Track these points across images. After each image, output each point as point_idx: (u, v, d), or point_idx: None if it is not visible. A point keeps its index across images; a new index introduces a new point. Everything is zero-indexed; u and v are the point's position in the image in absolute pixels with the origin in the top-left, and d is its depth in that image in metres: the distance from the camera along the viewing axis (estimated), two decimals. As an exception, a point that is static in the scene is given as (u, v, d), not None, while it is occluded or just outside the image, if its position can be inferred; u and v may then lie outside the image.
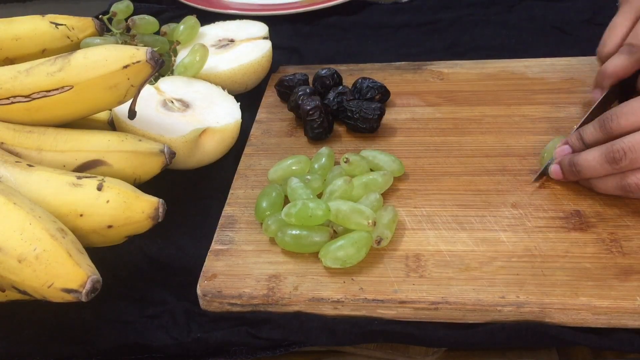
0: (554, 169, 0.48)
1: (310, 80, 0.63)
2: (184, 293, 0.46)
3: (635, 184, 0.43)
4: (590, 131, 0.46)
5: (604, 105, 0.53)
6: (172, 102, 0.56)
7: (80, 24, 0.65)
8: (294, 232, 0.45)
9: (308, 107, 0.56)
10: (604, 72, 0.52)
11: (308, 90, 0.59)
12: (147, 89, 0.57)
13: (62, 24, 0.63)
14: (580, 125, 0.50)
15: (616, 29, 0.52)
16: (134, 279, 0.47)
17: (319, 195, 0.49)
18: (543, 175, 0.50)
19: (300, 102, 0.58)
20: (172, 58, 0.65)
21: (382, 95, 0.60)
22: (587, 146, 0.47)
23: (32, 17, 0.63)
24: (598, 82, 0.54)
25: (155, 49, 0.48)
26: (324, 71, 0.62)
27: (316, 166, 0.52)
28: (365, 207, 0.45)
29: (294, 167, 0.52)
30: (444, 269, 0.43)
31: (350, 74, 0.66)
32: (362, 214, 0.44)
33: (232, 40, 0.67)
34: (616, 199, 0.47)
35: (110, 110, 0.53)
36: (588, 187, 0.47)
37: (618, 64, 0.50)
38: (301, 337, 0.42)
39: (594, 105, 0.52)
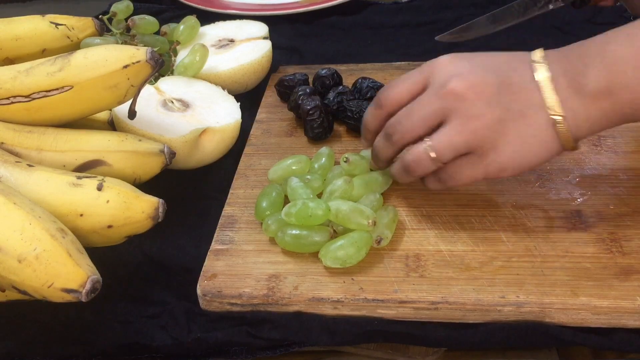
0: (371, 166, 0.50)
1: (310, 80, 0.63)
2: (184, 293, 0.46)
3: (412, 160, 0.43)
4: (369, 112, 0.48)
5: None
6: (172, 102, 0.56)
7: (80, 24, 0.65)
8: (294, 231, 0.45)
9: (308, 107, 0.56)
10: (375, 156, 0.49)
11: (308, 90, 0.59)
12: (147, 89, 0.57)
13: (62, 24, 0.63)
14: None
15: (402, 91, 0.46)
16: (134, 279, 0.47)
17: (319, 195, 0.49)
18: None
19: (300, 102, 0.58)
20: (172, 58, 0.65)
21: (382, 95, 0.60)
22: (372, 129, 0.48)
23: (32, 17, 0.63)
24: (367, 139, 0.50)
25: (155, 49, 0.48)
26: (324, 71, 0.62)
27: (316, 166, 0.52)
28: (365, 206, 0.45)
29: (294, 167, 0.52)
30: (444, 269, 0.43)
31: (350, 74, 0.66)
32: (362, 214, 0.44)
33: (232, 40, 0.67)
34: (616, 199, 0.47)
35: (110, 110, 0.53)
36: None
37: (378, 145, 0.47)
38: (301, 337, 0.42)
39: None
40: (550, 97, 0.40)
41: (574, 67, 0.41)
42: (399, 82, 0.45)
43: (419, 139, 0.43)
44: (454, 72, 0.42)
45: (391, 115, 0.45)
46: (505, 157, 0.41)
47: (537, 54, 0.43)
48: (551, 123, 0.40)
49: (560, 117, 0.40)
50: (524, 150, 0.41)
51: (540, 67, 0.41)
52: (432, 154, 0.42)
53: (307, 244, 0.45)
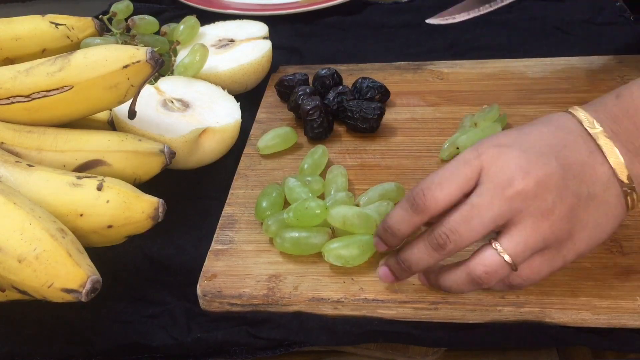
0: (383, 273, 0.41)
1: (310, 80, 0.63)
2: (184, 293, 0.46)
3: (484, 273, 0.37)
4: (401, 218, 0.40)
5: None
6: (172, 102, 0.56)
7: (80, 24, 0.65)
8: (292, 234, 0.44)
9: (308, 107, 0.56)
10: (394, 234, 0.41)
11: (308, 90, 0.59)
12: (147, 89, 0.57)
13: (62, 24, 0.63)
14: None
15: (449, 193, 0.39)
16: (134, 279, 0.47)
17: (321, 197, 0.49)
18: None
19: (300, 102, 0.58)
20: (172, 58, 0.65)
21: (382, 95, 0.60)
22: (402, 236, 0.41)
23: (32, 17, 0.63)
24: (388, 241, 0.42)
25: (155, 49, 0.48)
26: (324, 71, 0.62)
27: (305, 166, 0.52)
28: (373, 211, 0.45)
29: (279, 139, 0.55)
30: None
31: (350, 74, 0.66)
32: (369, 220, 0.44)
33: (232, 40, 0.67)
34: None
35: (110, 110, 0.53)
36: (442, 289, 0.41)
37: (417, 254, 0.40)
38: (301, 337, 0.42)
39: None
40: (621, 171, 0.37)
41: (625, 130, 0.38)
42: (442, 183, 0.38)
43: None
44: (512, 168, 0.37)
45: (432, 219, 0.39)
46: (582, 244, 0.38)
47: (584, 118, 0.39)
48: (622, 195, 0.38)
49: (631, 188, 0.38)
50: (598, 230, 0.38)
51: (599, 138, 0.38)
52: (508, 259, 0.37)
53: (306, 246, 0.44)
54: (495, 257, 0.37)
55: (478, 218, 0.37)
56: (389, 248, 0.42)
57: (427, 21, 0.45)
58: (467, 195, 0.38)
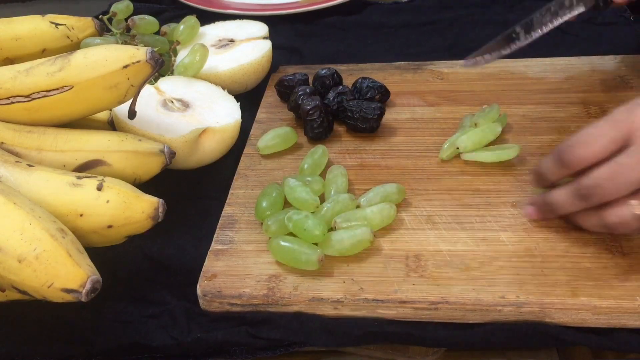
0: (530, 210, 0.46)
1: (310, 80, 0.63)
2: (184, 293, 0.46)
3: (618, 222, 0.40)
4: (549, 167, 0.44)
5: None
6: (172, 102, 0.56)
7: (80, 24, 0.65)
8: (284, 243, 0.44)
9: (308, 107, 0.56)
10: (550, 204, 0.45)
11: (308, 90, 0.59)
12: (147, 89, 0.57)
13: (62, 24, 0.63)
14: None
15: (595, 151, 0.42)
16: (134, 279, 0.47)
17: (321, 197, 0.49)
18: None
19: (300, 101, 0.58)
20: (172, 58, 0.65)
21: (382, 95, 0.60)
22: (552, 183, 0.45)
23: (32, 17, 0.63)
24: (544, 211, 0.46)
25: (155, 49, 0.48)
26: (324, 71, 0.62)
27: (305, 166, 0.52)
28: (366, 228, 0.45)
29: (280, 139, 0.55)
30: (444, 269, 0.43)
31: (350, 74, 0.66)
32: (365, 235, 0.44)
33: (232, 40, 0.67)
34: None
35: (110, 110, 0.53)
36: (574, 224, 0.45)
37: (562, 200, 0.44)
38: (301, 337, 0.42)
39: None
40: None
41: None
42: (589, 140, 0.41)
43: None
44: None
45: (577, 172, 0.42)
46: None
47: None
48: None
49: None
50: None
51: None
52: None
53: (296, 260, 0.44)
54: (630, 213, 0.39)
55: (624, 177, 0.39)
56: (541, 187, 0.46)
57: (464, 66, 0.48)
58: (613, 153, 0.40)
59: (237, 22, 0.70)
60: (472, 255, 0.44)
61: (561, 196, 0.43)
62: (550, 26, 0.53)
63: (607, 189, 0.40)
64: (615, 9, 0.75)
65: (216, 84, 0.60)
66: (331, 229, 0.46)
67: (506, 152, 0.51)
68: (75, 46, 0.64)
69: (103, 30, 0.67)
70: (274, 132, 0.56)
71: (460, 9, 0.81)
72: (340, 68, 0.65)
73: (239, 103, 0.58)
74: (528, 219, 0.46)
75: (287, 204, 0.49)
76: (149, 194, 0.45)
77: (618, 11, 0.75)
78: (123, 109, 0.51)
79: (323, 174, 0.52)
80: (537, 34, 0.54)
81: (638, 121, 0.39)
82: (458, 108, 0.59)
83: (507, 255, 0.44)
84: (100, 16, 0.67)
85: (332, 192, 0.49)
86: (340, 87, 0.60)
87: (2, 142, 0.47)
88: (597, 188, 0.40)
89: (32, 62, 0.48)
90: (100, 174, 0.45)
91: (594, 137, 0.41)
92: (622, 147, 0.40)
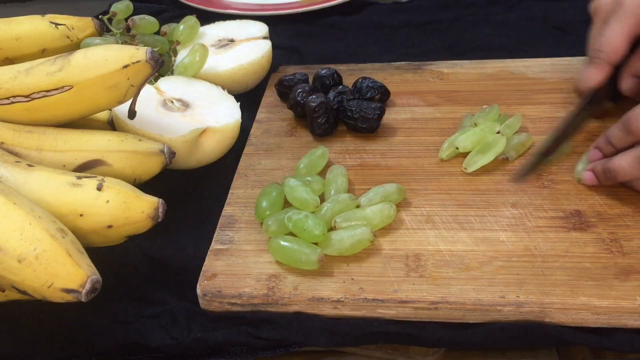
0: (588, 176, 0.48)
1: (310, 80, 0.63)
2: (184, 293, 0.46)
3: None
4: (616, 134, 0.47)
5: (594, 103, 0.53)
6: (172, 102, 0.56)
7: (80, 24, 0.65)
8: (285, 243, 0.44)
9: (313, 104, 0.56)
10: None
11: (307, 88, 0.59)
12: (147, 89, 0.57)
13: (62, 24, 0.63)
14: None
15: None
16: (134, 279, 0.47)
17: (321, 197, 0.49)
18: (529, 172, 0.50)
19: (299, 99, 0.58)
20: (172, 58, 0.65)
21: (382, 95, 0.60)
22: (617, 149, 0.47)
23: (32, 17, 0.63)
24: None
25: (155, 49, 0.48)
26: (324, 71, 0.62)
27: (301, 166, 0.52)
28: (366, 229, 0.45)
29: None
30: (444, 269, 0.43)
31: (350, 74, 0.66)
32: (365, 234, 0.44)
33: (232, 40, 0.67)
34: (616, 199, 0.47)
35: (110, 110, 0.53)
36: (630, 188, 0.47)
37: (625, 166, 0.47)
38: (301, 337, 0.42)
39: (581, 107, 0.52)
40: None
41: None
42: None
43: None
44: None
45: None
46: None
47: None
48: None
49: None
50: None
51: None
52: None
53: (296, 260, 0.44)
54: None
55: None
56: (600, 184, 0.47)
57: (513, 181, 0.50)
58: None
59: (237, 22, 0.70)
60: (472, 255, 0.44)
61: (624, 163, 0.45)
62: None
63: None
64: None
65: (216, 84, 0.60)
66: (331, 229, 0.46)
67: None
68: (75, 46, 0.64)
69: (103, 30, 0.67)
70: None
71: (460, 9, 0.81)
72: (340, 68, 0.65)
73: (239, 103, 0.58)
74: (587, 184, 0.48)
75: (287, 204, 0.49)
76: (149, 194, 0.45)
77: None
78: (123, 109, 0.51)
79: (323, 174, 0.52)
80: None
81: None
82: (458, 108, 0.59)
83: (507, 255, 0.44)
84: (100, 16, 0.67)
85: (332, 192, 0.49)
86: (340, 87, 0.60)
87: (2, 142, 0.47)
88: None
89: (32, 62, 0.48)
90: (100, 174, 0.45)
91: None
92: None
